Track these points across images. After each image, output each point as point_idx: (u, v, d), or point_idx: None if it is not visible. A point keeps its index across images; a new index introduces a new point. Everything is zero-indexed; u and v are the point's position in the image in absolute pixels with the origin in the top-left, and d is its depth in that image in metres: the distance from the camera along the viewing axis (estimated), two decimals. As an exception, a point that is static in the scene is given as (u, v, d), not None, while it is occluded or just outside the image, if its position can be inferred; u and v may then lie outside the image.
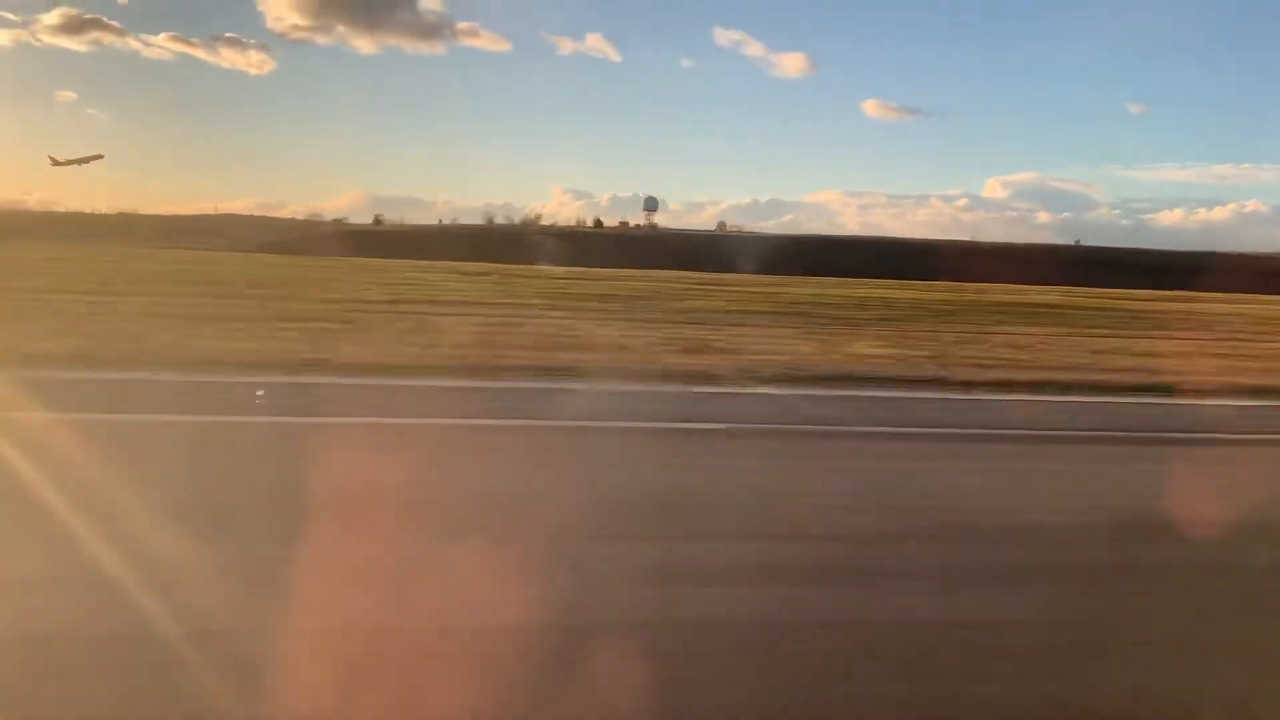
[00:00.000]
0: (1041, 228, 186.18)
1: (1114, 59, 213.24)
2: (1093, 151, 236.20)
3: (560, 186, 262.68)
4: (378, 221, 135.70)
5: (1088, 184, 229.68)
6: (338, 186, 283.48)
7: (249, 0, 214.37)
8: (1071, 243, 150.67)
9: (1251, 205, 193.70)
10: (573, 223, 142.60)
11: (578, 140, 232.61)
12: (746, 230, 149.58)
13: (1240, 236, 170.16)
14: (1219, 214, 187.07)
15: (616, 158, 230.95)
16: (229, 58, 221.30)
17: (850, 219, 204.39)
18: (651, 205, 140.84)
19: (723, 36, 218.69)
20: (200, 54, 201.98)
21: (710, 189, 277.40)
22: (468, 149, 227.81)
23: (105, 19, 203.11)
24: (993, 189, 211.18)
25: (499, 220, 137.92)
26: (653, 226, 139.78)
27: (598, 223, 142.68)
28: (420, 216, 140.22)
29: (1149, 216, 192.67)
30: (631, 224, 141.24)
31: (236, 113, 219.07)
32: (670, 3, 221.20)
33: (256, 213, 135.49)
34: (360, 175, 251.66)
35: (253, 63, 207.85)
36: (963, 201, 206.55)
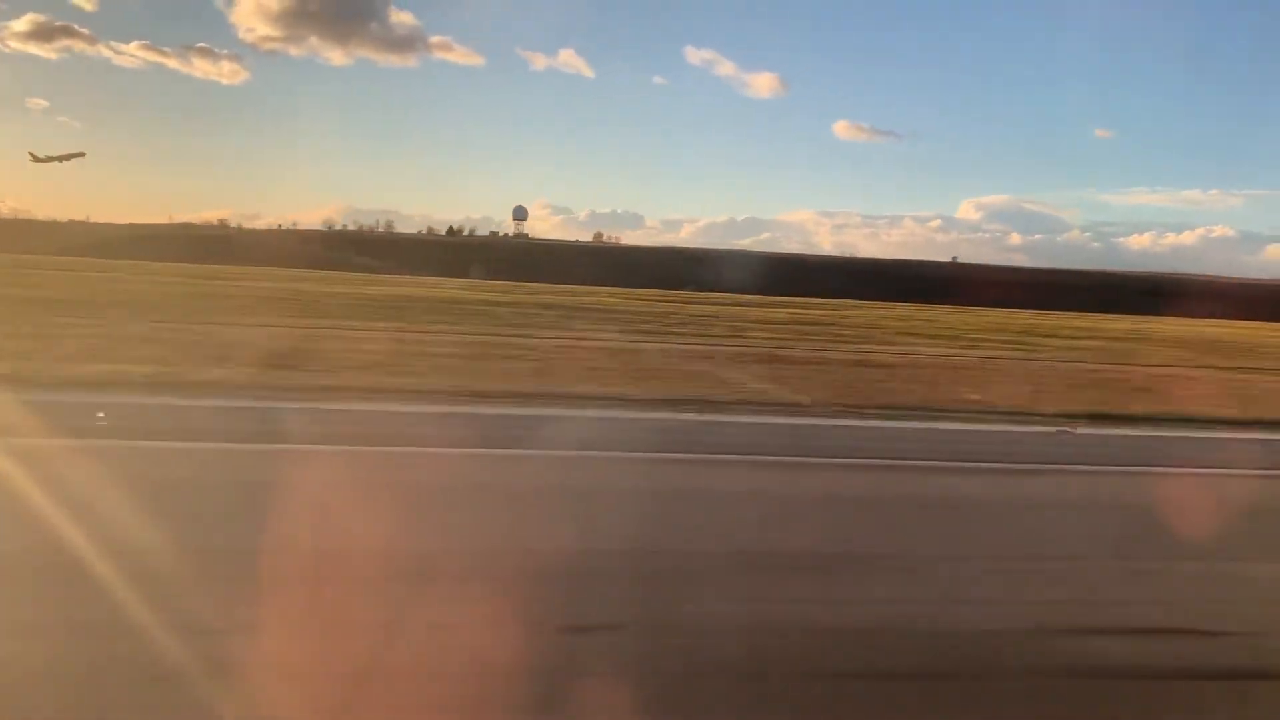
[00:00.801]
0: (1014, 249, 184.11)
1: (1084, 84, 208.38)
2: (1066, 175, 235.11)
3: (540, 201, 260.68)
4: (223, 225, 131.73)
5: (1060, 207, 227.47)
6: (314, 197, 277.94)
7: (220, 11, 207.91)
8: (950, 259, 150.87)
9: (1219, 230, 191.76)
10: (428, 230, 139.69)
11: (556, 156, 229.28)
12: (624, 243, 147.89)
13: (1205, 260, 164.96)
14: (1187, 238, 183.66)
15: (595, 174, 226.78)
16: (201, 67, 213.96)
17: (825, 238, 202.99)
18: (520, 214, 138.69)
19: (694, 55, 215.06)
20: (172, 63, 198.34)
21: (688, 207, 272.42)
22: (445, 162, 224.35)
23: (75, 26, 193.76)
24: (966, 211, 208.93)
25: (349, 226, 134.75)
26: (522, 235, 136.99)
27: (451, 230, 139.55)
28: (400, 229, 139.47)
29: (1120, 239, 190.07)
30: (501, 233, 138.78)
31: (210, 122, 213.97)
32: (641, 21, 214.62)
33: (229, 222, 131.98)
34: (338, 187, 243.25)
35: (225, 73, 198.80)
36: (936, 223, 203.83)
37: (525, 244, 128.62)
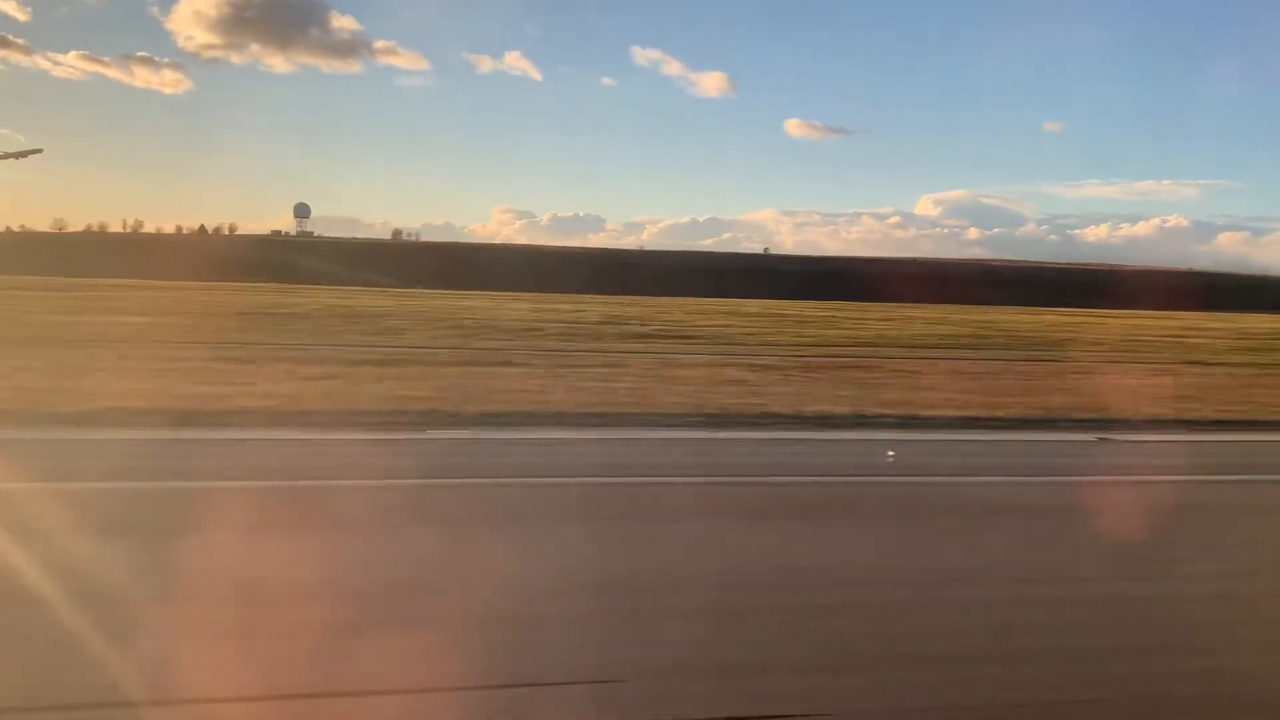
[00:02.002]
0: (973, 244, 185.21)
1: (1034, 77, 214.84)
2: (1022, 168, 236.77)
3: (501, 206, 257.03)
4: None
5: (1018, 200, 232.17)
6: (265, 205, 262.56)
7: (156, 19, 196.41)
8: (760, 250, 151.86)
9: (1173, 220, 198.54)
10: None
11: (512, 160, 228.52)
12: (424, 239, 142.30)
13: (1160, 251, 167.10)
14: (1142, 229, 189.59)
15: (554, 177, 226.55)
16: (143, 77, 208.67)
17: (787, 237, 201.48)
18: (303, 211, 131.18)
19: (641, 55, 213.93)
20: (113, 73, 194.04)
21: (649, 208, 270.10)
22: (398, 168, 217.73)
23: (10, 37, 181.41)
24: (924, 206, 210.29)
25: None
26: (306, 234, 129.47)
27: (202, 229, 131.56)
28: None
29: (1076, 231, 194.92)
30: (283, 231, 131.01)
31: (154, 131, 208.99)
32: (586, 22, 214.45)
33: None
34: (289, 193, 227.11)
35: (167, 81, 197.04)
36: (895, 219, 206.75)
37: (310, 242, 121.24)
